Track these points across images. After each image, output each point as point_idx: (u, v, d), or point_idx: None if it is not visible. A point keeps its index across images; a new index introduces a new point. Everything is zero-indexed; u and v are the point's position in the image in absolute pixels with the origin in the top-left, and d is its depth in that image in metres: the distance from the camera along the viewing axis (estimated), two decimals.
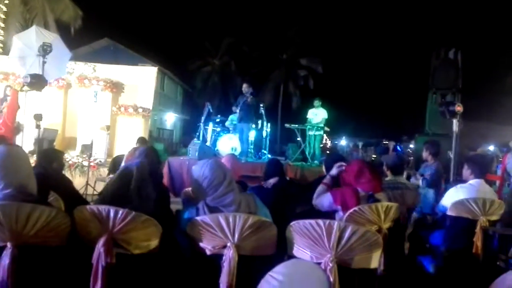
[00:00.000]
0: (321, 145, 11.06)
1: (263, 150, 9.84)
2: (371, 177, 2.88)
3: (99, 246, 2.06)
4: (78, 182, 7.69)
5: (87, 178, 7.56)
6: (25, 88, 5.68)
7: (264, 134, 9.88)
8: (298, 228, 2.26)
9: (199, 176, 2.37)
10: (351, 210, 2.76)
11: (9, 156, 2.21)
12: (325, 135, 13.01)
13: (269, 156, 9.72)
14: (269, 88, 31.70)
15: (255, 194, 3.42)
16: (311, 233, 2.20)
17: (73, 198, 3.30)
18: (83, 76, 10.81)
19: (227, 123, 10.38)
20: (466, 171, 3.74)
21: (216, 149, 9.68)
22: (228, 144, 9.62)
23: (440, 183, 5.21)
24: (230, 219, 2.20)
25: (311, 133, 9.62)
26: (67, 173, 8.18)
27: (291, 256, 2.32)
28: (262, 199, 3.28)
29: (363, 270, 2.27)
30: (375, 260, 2.30)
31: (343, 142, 31.08)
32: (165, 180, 7.26)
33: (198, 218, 2.27)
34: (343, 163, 3.17)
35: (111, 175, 5.14)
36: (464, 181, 3.77)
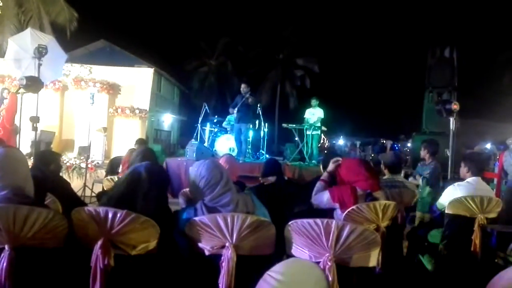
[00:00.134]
0: (319, 145, 11.08)
1: (261, 150, 9.86)
2: (368, 176, 2.88)
3: (97, 248, 2.06)
4: (75, 184, 7.68)
5: (84, 180, 7.55)
6: (21, 90, 5.64)
7: (262, 134, 9.89)
8: (296, 227, 2.26)
9: (196, 176, 2.37)
10: (349, 209, 2.76)
11: (7, 158, 2.20)
12: (322, 135, 13.02)
13: (267, 156, 9.73)
14: (266, 88, 31.71)
15: (253, 193, 3.45)
16: (309, 233, 2.20)
17: (71, 200, 3.30)
18: (79, 78, 10.81)
19: (224, 124, 10.38)
20: (463, 169, 3.75)
21: (213, 149, 9.69)
22: (226, 145, 9.63)
23: (438, 182, 5.22)
24: (228, 219, 2.20)
25: (308, 132, 9.63)
26: (64, 175, 8.17)
27: (290, 256, 2.32)
28: (260, 199, 3.29)
29: (362, 268, 2.27)
30: (374, 259, 2.30)
31: (340, 141, 31.13)
32: None
33: (196, 218, 2.27)
34: (339, 158, 3.17)
35: (108, 177, 5.13)
36: (461, 179, 3.78)
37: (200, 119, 10.43)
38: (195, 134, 10.46)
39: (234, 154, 8.63)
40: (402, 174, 4.84)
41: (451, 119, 5.48)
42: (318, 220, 2.20)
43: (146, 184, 2.26)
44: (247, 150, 9.25)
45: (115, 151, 10.24)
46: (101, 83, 10.82)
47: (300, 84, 32.65)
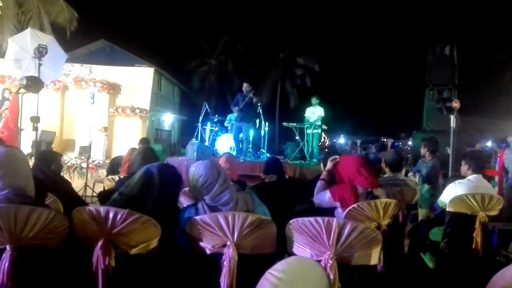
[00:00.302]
0: (319, 144, 11.07)
1: (261, 149, 9.84)
2: (368, 173, 2.88)
3: (98, 249, 2.06)
4: (76, 183, 7.68)
5: (85, 179, 7.55)
6: (22, 90, 5.64)
7: (263, 133, 9.88)
8: (298, 226, 2.26)
9: (194, 175, 2.40)
10: (350, 207, 2.76)
11: (8, 158, 2.20)
12: (323, 134, 13.02)
13: (268, 155, 9.73)
14: (267, 87, 31.69)
15: (254, 192, 3.45)
16: (311, 231, 2.20)
17: (72, 199, 3.30)
18: (79, 78, 10.81)
19: (226, 123, 10.37)
20: (464, 167, 3.75)
21: (214, 148, 9.69)
22: (227, 144, 9.63)
23: (436, 180, 5.22)
24: (230, 218, 2.20)
25: (309, 131, 9.62)
26: (65, 175, 8.17)
27: (291, 254, 2.32)
28: (262, 197, 3.29)
29: (363, 267, 2.27)
30: (375, 257, 2.30)
31: (341, 140, 31.10)
32: None
33: (197, 217, 2.27)
34: (337, 156, 3.17)
35: (109, 176, 5.13)
36: (462, 177, 3.78)
37: (200, 118, 10.43)
38: (195, 134, 10.46)
39: (233, 153, 8.64)
40: (403, 172, 4.85)
41: (452, 117, 5.47)
42: (319, 219, 2.20)
43: (158, 185, 2.29)
44: (248, 149, 9.25)
45: (116, 150, 10.24)
46: (101, 83, 10.82)
47: (300, 83, 32.63)
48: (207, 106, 10.59)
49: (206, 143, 9.79)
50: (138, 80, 11.92)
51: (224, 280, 2.15)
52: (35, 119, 5.80)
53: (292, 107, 31.84)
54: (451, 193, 3.55)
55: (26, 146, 8.25)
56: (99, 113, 10.20)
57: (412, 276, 3.73)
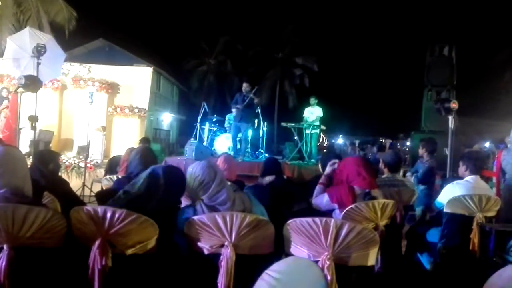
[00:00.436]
0: (318, 144, 11.07)
1: (260, 149, 9.85)
2: (366, 174, 2.89)
3: (95, 249, 2.06)
4: (74, 183, 7.66)
5: (83, 179, 7.53)
6: (20, 89, 5.63)
7: (261, 133, 9.88)
8: (295, 226, 2.26)
9: (191, 176, 2.42)
10: (347, 208, 2.76)
11: (6, 157, 2.19)
12: (321, 134, 13.03)
13: (266, 155, 9.73)
14: (265, 87, 31.67)
15: (252, 193, 3.45)
16: (308, 231, 2.20)
17: (70, 199, 3.30)
18: (78, 77, 10.79)
19: (226, 124, 10.36)
20: (461, 168, 3.75)
21: (213, 148, 9.68)
22: (225, 144, 9.62)
23: (433, 180, 5.23)
24: (227, 218, 2.20)
25: (307, 131, 9.63)
26: (63, 174, 8.16)
27: (289, 255, 2.32)
28: (259, 198, 3.29)
29: (361, 267, 2.27)
30: (372, 258, 2.30)
31: (339, 140, 31.10)
32: None
33: (195, 217, 2.27)
34: (336, 161, 3.18)
35: (107, 176, 5.12)
36: (460, 178, 3.78)
37: (199, 118, 10.42)
38: (194, 133, 10.45)
39: (231, 153, 8.65)
40: (401, 173, 4.86)
41: (450, 118, 5.47)
42: (317, 219, 2.20)
43: (163, 186, 2.31)
44: (246, 149, 9.25)
45: (114, 150, 10.22)
46: (100, 82, 10.80)
47: (299, 83, 32.64)
48: (205, 106, 10.58)
49: (205, 143, 9.78)
50: (137, 79, 11.90)
51: (221, 280, 2.15)
52: (33, 118, 5.79)
53: (290, 107, 31.86)
54: (448, 194, 3.55)
55: (24, 145, 8.25)
56: (97, 113, 10.18)
57: (409, 277, 3.74)
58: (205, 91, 31.94)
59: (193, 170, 2.43)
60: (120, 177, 3.67)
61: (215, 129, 10.28)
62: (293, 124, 9.57)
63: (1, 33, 12.78)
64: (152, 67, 14.34)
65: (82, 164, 8.31)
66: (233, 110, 9.04)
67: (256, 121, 9.94)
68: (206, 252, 2.26)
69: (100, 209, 2.12)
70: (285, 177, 7.58)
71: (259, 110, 9.61)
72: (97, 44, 24.59)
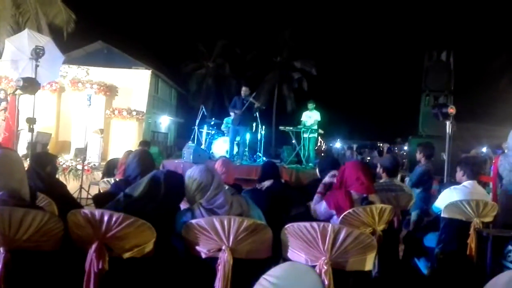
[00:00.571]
0: (316, 148, 11.08)
1: (258, 153, 9.84)
2: (364, 179, 2.89)
3: (91, 252, 2.05)
4: (72, 186, 7.64)
5: (81, 181, 7.51)
6: (18, 92, 5.63)
7: (259, 136, 9.89)
8: (293, 230, 2.26)
9: (189, 179, 2.43)
10: (345, 212, 2.76)
11: (3, 159, 2.19)
12: (319, 138, 13.04)
13: (264, 159, 9.73)
14: (264, 91, 31.70)
15: (250, 197, 3.45)
16: (306, 236, 2.20)
17: (67, 202, 3.29)
18: (76, 80, 10.78)
19: (222, 127, 10.36)
20: (459, 173, 3.76)
21: (211, 152, 9.67)
22: (223, 147, 9.61)
23: (428, 184, 5.24)
24: (225, 222, 2.20)
25: (305, 135, 9.65)
26: (60, 177, 8.13)
27: (286, 259, 2.32)
28: (257, 202, 3.28)
29: (358, 272, 2.27)
30: (370, 263, 2.30)
31: (337, 144, 31.14)
32: None
33: (193, 221, 2.27)
34: (335, 173, 3.18)
35: (105, 179, 5.11)
36: (457, 183, 3.79)
37: (197, 121, 10.42)
38: (192, 137, 10.44)
39: (227, 155, 8.67)
40: (399, 178, 4.87)
41: (448, 123, 5.49)
42: (315, 224, 2.20)
43: (163, 191, 2.33)
44: (244, 153, 9.24)
45: (112, 153, 10.20)
46: (98, 85, 10.79)
47: (297, 87, 32.69)
48: (204, 109, 10.58)
49: (203, 146, 9.77)
50: (135, 82, 11.90)
51: (218, 285, 2.14)
52: (31, 121, 5.79)
53: (289, 111, 31.88)
54: (446, 199, 3.56)
55: (21, 147, 8.22)
56: (95, 115, 10.16)
57: (406, 282, 3.74)
58: (203, 94, 31.95)
59: (191, 173, 2.44)
60: (117, 180, 3.67)
61: (213, 132, 10.28)
62: (291, 128, 9.58)
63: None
64: (151, 70, 14.33)
65: (79, 167, 8.28)
66: (231, 113, 9.02)
67: (254, 124, 9.94)
68: (203, 256, 2.25)
69: (97, 212, 2.12)
70: (282, 181, 7.60)
71: (257, 113, 9.62)
72: (96, 47, 24.58)
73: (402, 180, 5.97)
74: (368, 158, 18.84)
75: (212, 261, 2.22)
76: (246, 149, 9.43)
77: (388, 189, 3.88)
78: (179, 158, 9.94)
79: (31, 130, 5.87)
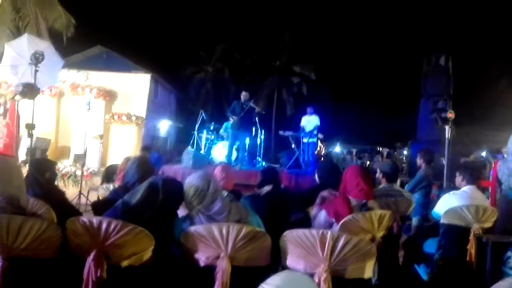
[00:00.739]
0: (316, 152, 11.08)
1: (257, 158, 9.84)
2: (364, 185, 2.89)
3: (89, 260, 2.04)
4: (71, 192, 7.64)
5: (80, 187, 7.50)
6: (17, 97, 5.62)
7: (259, 141, 9.89)
8: (292, 238, 2.25)
9: (187, 185, 2.45)
10: (345, 219, 2.75)
11: (2, 165, 2.19)
12: (319, 142, 13.03)
13: (264, 163, 9.72)
14: (263, 95, 31.72)
15: (249, 202, 3.44)
16: (305, 243, 2.19)
17: (65, 209, 3.28)
18: (76, 84, 10.78)
19: (221, 131, 10.35)
20: (458, 178, 3.75)
21: (210, 157, 9.66)
22: (223, 152, 9.60)
23: (427, 189, 5.22)
24: (224, 229, 2.19)
25: (305, 140, 9.65)
26: (60, 182, 8.12)
27: (285, 267, 2.31)
28: (257, 207, 3.28)
29: (357, 280, 2.26)
30: (369, 270, 2.29)
31: (337, 149, 31.12)
32: None
33: (191, 228, 2.26)
34: (335, 193, 3.16)
35: (104, 185, 5.10)
36: (457, 188, 3.78)
37: (197, 126, 10.41)
38: (191, 141, 10.44)
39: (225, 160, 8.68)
40: (398, 183, 4.86)
41: (447, 128, 5.50)
42: (314, 231, 2.19)
43: (161, 197, 2.33)
44: (244, 158, 9.24)
45: (111, 158, 10.19)
46: (97, 89, 10.79)
47: (297, 91, 32.73)
48: (203, 114, 10.58)
49: (202, 151, 9.77)
50: (135, 86, 11.91)
51: None
52: (30, 126, 5.78)
53: (288, 115, 31.88)
54: (445, 205, 3.55)
55: (20, 153, 8.21)
56: (95, 120, 10.16)
57: None
58: (202, 98, 31.96)
59: (189, 180, 2.48)
60: (116, 186, 3.66)
61: (212, 137, 10.27)
62: (291, 133, 9.58)
63: None
64: (150, 74, 14.34)
65: (78, 172, 8.27)
66: (231, 118, 9.01)
67: (253, 129, 9.94)
68: (202, 263, 2.24)
69: (95, 220, 2.11)
70: (282, 186, 7.59)
71: (257, 118, 9.63)
72: (95, 51, 24.55)
73: (403, 185, 5.96)
74: (368, 162, 18.82)
75: (210, 269, 2.21)
76: (246, 154, 9.42)
77: (388, 194, 3.86)
78: (179, 163, 9.92)
79: (30, 135, 5.86)
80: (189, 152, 8.70)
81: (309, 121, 10.17)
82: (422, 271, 3.68)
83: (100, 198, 3.92)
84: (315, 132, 9.92)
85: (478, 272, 3.19)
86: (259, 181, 4.11)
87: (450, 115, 5.44)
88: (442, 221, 3.46)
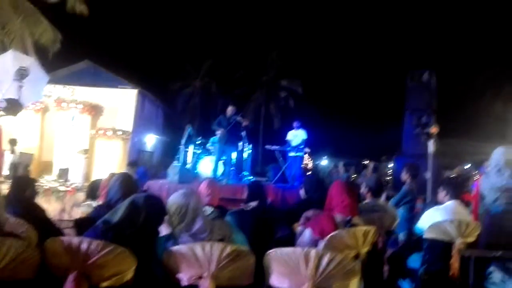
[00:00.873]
0: (303, 166, 11.12)
1: (244, 172, 9.82)
2: (349, 201, 2.90)
3: (70, 281, 2.00)
4: (53, 207, 7.49)
5: (63, 203, 7.37)
6: (0, 113, 5.56)
7: (245, 155, 9.88)
8: (276, 256, 2.24)
9: (168, 204, 2.45)
10: (330, 235, 2.75)
11: None
12: (306, 156, 13.10)
13: (251, 178, 9.70)
14: (250, 110, 31.87)
15: (234, 219, 3.42)
16: (289, 262, 2.18)
17: (46, 227, 3.22)
18: (61, 99, 10.71)
19: (208, 145, 10.30)
20: (441, 193, 3.80)
21: (196, 171, 9.61)
22: (209, 167, 9.56)
23: (412, 204, 5.25)
24: (207, 249, 2.17)
25: (291, 154, 9.68)
26: (42, 198, 7.98)
27: (269, 286, 2.29)
28: (242, 223, 3.27)
29: None
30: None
31: (324, 162, 31.26)
32: None
33: (174, 247, 2.24)
34: (319, 212, 3.15)
35: (88, 201, 5.02)
36: (440, 203, 3.82)
37: (183, 141, 10.37)
38: (178, 156, 10.37)
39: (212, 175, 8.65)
40: (384, 197, 4.89)
41: (430, 142, 5.58)
42: (298, 249, 2.19)
43: (143, 216, 2.31)
44: (230, 172, 9.20)
45: (96, 173, 10.08)
46: (83, 105, 10.73)
47: (284, 105, 32.94)
48: (190, 129, 10.55)
49: (188, 166, 9.71)
50: (122, 101, 11.89)
51: None
52: (13, 142, 5.71)
53: (276, 129, 32.00)
54: (429, 219, 3.58)
55: (4, 168, 8.07)
56: (79, 135, 10.08)
57: None
58: (190, 113, 31.94)
59: (171, 198, 2.48)
60: (99, 204, 3.61)
61: (199, 151, 10.23)
62: (277, 147, 9.61)
63: None
64: (137, 89, 14.31)
65: (62, 188, 8.14)
66: (217, 132, 8.96)
67: (240, 143, 9.94)
68: (184, 283, 2.21)
69: (75, 240, 2.08)
70: (269, 200, 7.57)
71: (244, 132, 9.63)
72: (82, 66, 24.34)
73: (388, 199, 5.99)
74: (354, 175, 18.94)
75: None
76: (233, 168, 9.40)
77: (372, 209, 3.88)
78: (165, 177, 9.84)
79: (12, 151, 5.78)
80: (175, 166, 8.64)
81: (296, 135, 10.21)
82: (406, 286, 3.69)
83: (83, 215, 3.86)
84: (301, 146, 9.96)
85: (462, 287, 3.21)
86: (246, 197, 4.09)
87: (434, 130, 5.52)
88: (425, 236, 3.48)
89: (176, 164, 9.26)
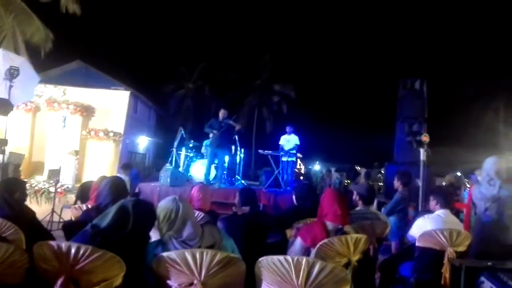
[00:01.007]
0: (295, 170, 11.12)
1: (236, 176, 9.80)
2: (340, 210, 2.89)
3: (58, 286, 1.97)
4: (43, 208, 7.40)
5: (53, 205, 7.28)
6: None
7: (238, 159, 9.86)
8: (267, 264, 2.22)
9: (158, 210, 2.43)
10: (321, 243, 2.74)
11: None
12: (299, 160, 13.10)
13: (243, 182, 9.68)
14: (243, 113, 31.88)
15: (225, 225, 3.40)
16: (280, 270, 2.17)
17: (35, 230, 3.17)
18: (52, 99, 10.59)
19: (203, 150, 10.27)
20: (432, 202, 3.81)
21: (189, 174, 9.57)
22: (201, 170, 9.53)
23: (403, 211, 5.28)
24: (197, 255, 2.14)
25: (284, 159, 9.68)
26: (32, 199, 7.88)
27: None
28: (234, 229, 3.24)
29: None
30: None
31: (316, 167, 31.31)
32: None
33: (164, 254, 2.21)
34: (312, 223, 3.14)
35: (79, 203, 4.96)
36: (432, 211, 3.84)
37: (175, 143, 10.32)
38: (170, 159, 10.32)
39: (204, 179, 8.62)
40: (375, 204, 4.90)
41: (422, 150, 5.61)
42: (289, 257, 2.17)
43: (131, 221, 2.29)
44: (223, 176, 9.18)
45: (87, 175, 9.98)
46: (74, 105, 10.62)
47: (277, 109, 33.01)
48: (182, 131, 10.51)
49: (181, 169, 9.66)
50: (114, 103, 11.78)
51: None
52: (3, 142, 5.62)
53: (268, 133, 32.04)
54: (420, 228, 3.60)
55: None
56: (71, 136, 9.97)
57: None
58: (182, 115, 31.86)
59: (161, 203, 2.46)
60: (89, 207, 3.57)
61: (191, 154, 10.19)
62: (270, 152, 9.60)
63: None
64: (130, 91, 14.23)
65: (52, 189, 8.04)
66: (210, 135, 8.94)
67: (233, 147, 9.92)
68: None
69: (64, 244, 2.04)
70: (261, 205, 7.56)
71: (236, 136, 9.62)
72: (74, 66, 24.26)
73: (380, 206, 6.00)
74: (347, 181, 18.99)
75: None
76: (225, 172, 9.38)
77: (364, 217, 3.88)
78: (157, 179, 9.78)
79: (2, 151, 5.69)
80: (167, 169, 8.59)
81: (288, 140, 10.23)
82: None
83: (73, 218, 3.81)
84: (294, 151, 9.97)
85: None
86: (238, 202, 4.07)
87: (425, 138, 5.56)
88: (417, 244, 3.49)
89: (168, 167, 9.21)
